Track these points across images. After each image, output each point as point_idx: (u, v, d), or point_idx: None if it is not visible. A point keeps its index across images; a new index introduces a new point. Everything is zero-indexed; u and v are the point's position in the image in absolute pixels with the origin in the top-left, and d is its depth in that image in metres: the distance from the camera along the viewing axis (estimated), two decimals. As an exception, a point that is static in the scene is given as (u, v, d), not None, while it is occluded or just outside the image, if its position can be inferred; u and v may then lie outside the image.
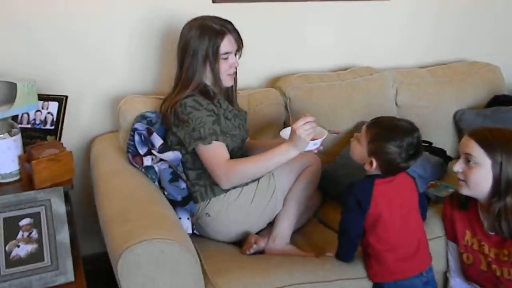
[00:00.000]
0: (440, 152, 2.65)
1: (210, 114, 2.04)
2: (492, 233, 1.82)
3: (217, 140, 2.02)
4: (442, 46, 3.19)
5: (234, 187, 2.10)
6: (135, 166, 2.15)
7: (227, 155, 2.03)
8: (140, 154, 2.16)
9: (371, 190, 1.80)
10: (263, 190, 2.12)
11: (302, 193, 2.18)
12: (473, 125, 2.71)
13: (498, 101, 2.91)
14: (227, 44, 2.08)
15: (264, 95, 2.57)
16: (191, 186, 2.13)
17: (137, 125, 2.21)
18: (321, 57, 2.88)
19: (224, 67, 2.10)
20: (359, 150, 1.87)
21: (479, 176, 1.74)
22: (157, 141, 2.17)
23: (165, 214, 1.85)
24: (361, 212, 1.80)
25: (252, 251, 2.06)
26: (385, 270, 1.85)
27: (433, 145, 2.70)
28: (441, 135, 2.84)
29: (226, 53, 2.08)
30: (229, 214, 2.09)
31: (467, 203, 1.90)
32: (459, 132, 2.83)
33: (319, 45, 2.85)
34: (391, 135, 1.80)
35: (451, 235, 2.00)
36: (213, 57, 2.06)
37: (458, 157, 1.86)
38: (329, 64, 2.90)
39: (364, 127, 1.87)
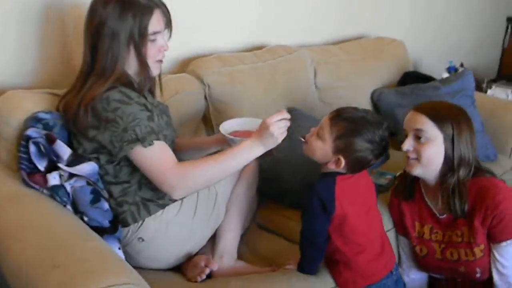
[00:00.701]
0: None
1: (143, 108, 1.62)
2: (443, 216, 1.76)
3: (158, 139, 1.61)
4: (343, 22, 3.05)
5: (174, 200, 1.72)
6: (34, 188, 1.64)
7: (174, 157, 1.64)
8: (39, 171, 1.65)
9: (334, 189, 1.62)
10: (204, 199, 1.78)
11: (244, 198, 1.89)
12: (394, 105, 2.63)
13: (409, 78, 2.86)
14: (155, 22, 1.66)
15: (178, 82, 2.16)
16: (117, 206, 1.70)
17: (30, 132, 1.68)
18: (230, 35, 2.54)
19: (152, 52, 1.68)
20: (320, 147, 1.64)
21: (432, 152, 1.67)
22: (64, 150, 1.67)
23: (101, 249, 1.40)
24: (326, 216, 1.61)
25: (204, 276, 1.72)
26: (356, 275, 1.69)
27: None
28: None
29: (155, 33, 1.66)
30: (169, 235, 1.72)
31: (412, 192, 1.82)
32: (379, 112, 2.70)
33: (227, 21, 2.52)
34: (362, 129, 1.61)
35: (401, 229, 1.89)
36: (140, 39, 1.63)
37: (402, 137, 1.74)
38: (238, 42, 2.58)
39: (326, 121, 1.64)
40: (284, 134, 1.62)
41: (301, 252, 1.70)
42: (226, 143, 1.82)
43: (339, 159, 1.61)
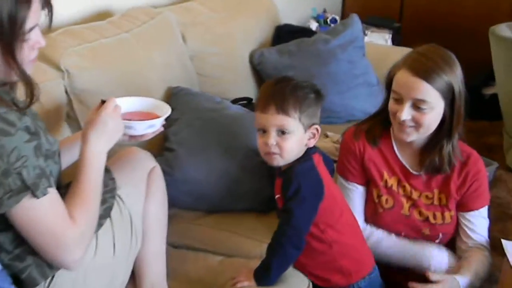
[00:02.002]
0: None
1: (29, 138, 1.12)
2: (416, 173, 1.66)
3: (50, 186, 1.14)
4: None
5: None
6: None
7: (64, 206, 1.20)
8: None
9: (317, 169, 1.51)
10: (118, 223, 1.40)
11: (162, 214, 1.55)
12: (281, 68, 2.32)
13: (284, 32, 2.58)
14: (33, 16, 1.13)
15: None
16: (14, 261, 1.22)
17: None
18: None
19: (27, 51, 1.16)
20: (295, 139, 1.46)
21: (433, 119, 1.54)
22: None
23: None
24: (318, 200, 1.48)
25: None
26: (356, 263, 1.57)
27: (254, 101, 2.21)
28: (244, 86, 2.35)
29: (31, 29, 1.14)
30: (89, 284, 1.31)
31: (379, 139, 1.68)
32: (263, 79, 2.37)
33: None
34: (320, 96, 1.52)
35: (359, 176, 1.68)
36: (13, 36, 1.10)
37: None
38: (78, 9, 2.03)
39: (274, 117, 1.44)
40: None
41: (274, 254, 1.45)
42: None
43: (316, 129, 1.51)
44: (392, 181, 1.69)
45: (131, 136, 1.41)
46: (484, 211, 1.64)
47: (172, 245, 1.65)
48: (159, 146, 1.82)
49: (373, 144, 1.67)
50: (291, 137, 1.44)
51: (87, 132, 1.30)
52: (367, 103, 2.26)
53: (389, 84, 1.58)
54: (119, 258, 1.39)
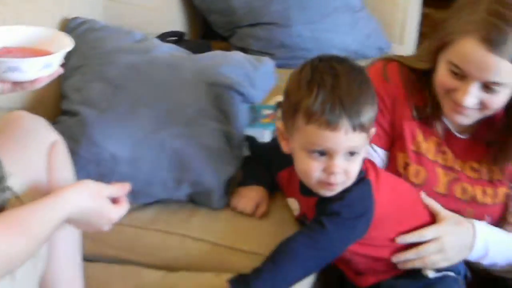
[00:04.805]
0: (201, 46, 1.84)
1: None
2: (461, 136, 1.42)
3: None
4: None
5: None
6: None
7: None
8: None
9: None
10: None
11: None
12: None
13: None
14: None
15: None
16: None
17: None
18: None
19: None
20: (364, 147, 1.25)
21: (505, 98, 1.30)
22: None
23: None
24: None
25: None
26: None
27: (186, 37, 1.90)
28: (171, 15, 1.99)
29: None
30: None
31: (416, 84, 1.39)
32: (192, 4, 2.02)
33: None
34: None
35: (383, 134, 1.42)
36: None
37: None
38: None
39: (350, 122, 1.15)
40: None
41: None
42: None
43: None
44: (427, 146, 1.44)
45: (15, 83, 1.07)
46: None
47: (87, 259, 1.27)
48: (52, 107, 1.42)
49: (409, 87, 1.38)
50: (359, 157, 1.16)
51: None
52: (348, 36, 1.96)
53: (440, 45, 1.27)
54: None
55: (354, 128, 1.12)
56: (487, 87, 1.28)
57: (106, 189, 1.08)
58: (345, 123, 1.11)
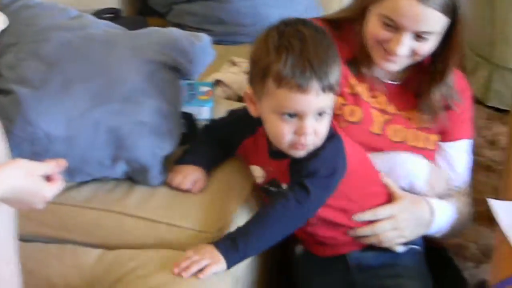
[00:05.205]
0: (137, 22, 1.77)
1: None
2: (394, 82, 1.47)
3: None
4: None
5: None
6: None
7: None
8: None
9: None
10: None
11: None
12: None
13: None
14: None
15: None
16: None
17: None
18: None
19: None
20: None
21: (433, 45, 1.38)
22: None
23: None
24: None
25: None
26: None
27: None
28: None
29: None
30: None
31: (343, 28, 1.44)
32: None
33: None
34: None
35: None
36: None
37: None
38: None
39: (319, 83, 1.17)
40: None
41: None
42: None
43: None
44: (360, 88, 1.46)
45: None
46: (466, 144, 1.49)
47: (24, 239, 1.21)
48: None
49: (336, 29, 1.42)
50: (328, 117, 1.19)
51: None
52: (286, 10, 1.87)
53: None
54: None
55: (324, 89, 1.14)
56: (419, 36, 1.34)
57: (40, 167, 1.03)
58: (315, 85, 1.13)
